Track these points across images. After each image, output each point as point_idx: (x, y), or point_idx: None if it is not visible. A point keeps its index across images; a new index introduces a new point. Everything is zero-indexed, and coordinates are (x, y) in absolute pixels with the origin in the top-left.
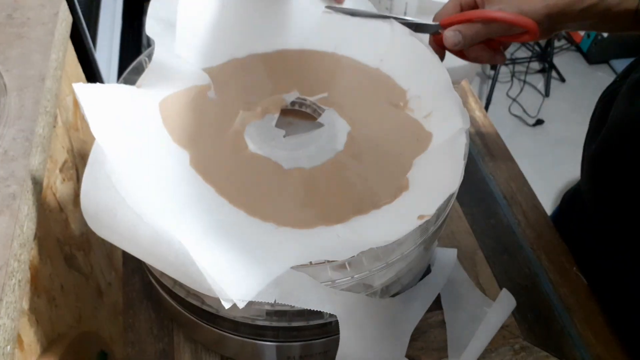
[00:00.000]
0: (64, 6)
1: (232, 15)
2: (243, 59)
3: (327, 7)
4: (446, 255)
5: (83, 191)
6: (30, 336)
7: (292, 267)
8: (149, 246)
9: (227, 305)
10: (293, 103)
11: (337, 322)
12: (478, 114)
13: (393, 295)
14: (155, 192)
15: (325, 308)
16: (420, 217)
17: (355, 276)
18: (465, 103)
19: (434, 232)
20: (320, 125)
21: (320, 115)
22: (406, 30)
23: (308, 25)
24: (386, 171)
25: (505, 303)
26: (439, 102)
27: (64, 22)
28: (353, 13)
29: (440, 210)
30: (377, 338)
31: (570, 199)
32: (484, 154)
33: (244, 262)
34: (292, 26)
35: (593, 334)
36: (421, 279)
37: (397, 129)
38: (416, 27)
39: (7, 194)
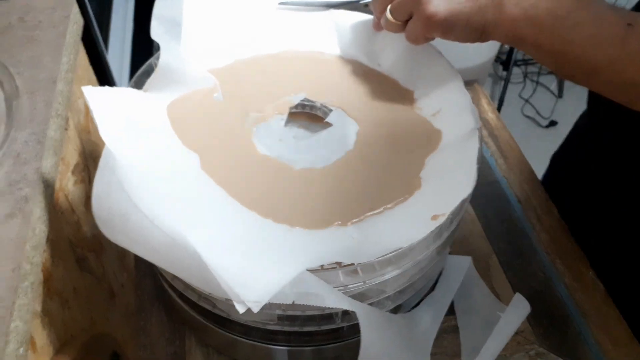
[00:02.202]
0: (76, 9)
1: (237, 17)
2: (249, 60)
3: (281, 2)
4: (460, 263)
5: (94, 196)
6: (42, 338)
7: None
8: (163, 251)
9: (241, 310)
10: (302, 105)
11: (349, 327)
12: (491, 115)
13: (406, 300)
14: (167, 196)
15: (344, 306)
16: (434, 217)
17: (368, 281)
18: (477, 105)
19: (448, 237)
20: (329, 125)
21: (328, 115)
22: None
23: (312, 26)
24: (398, 170)
25: (519, 308)
26: (447, 99)
27: (75, 24)
28: (307, 4)
29: (454, 214)
30: (398, 346)
31: (559, 159)
32: (498, 156)
33: (258, 265)
34: (296, 27)
35: (610, 340)
36: (435, 282)
37: (406, 127)
38: (366, 5)
39: (20, 197)
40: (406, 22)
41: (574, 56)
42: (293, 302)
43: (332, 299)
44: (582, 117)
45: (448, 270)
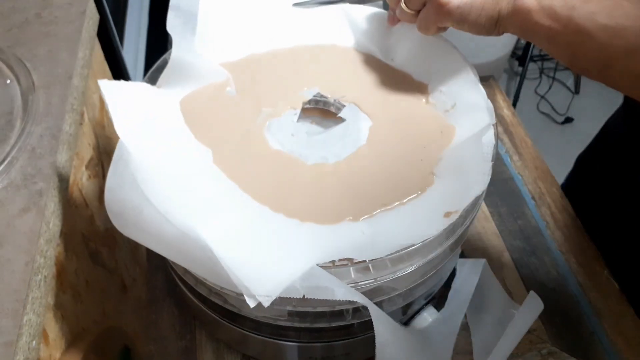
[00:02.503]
0: (92, 4)
1: (251, 11)
2: (262, 54)
3: (295, 4)
4: (473, 268)
5: (107, 189)
6: (55, 331)
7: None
8: (174, 244)
9: (252, 304)
10: (315, 101)
11: (359, 324)
12: (506, 112)
13: (417, 298)
14: (180, 190)
15: (355, 298)
16: (447, 214)
17: (379, 278)
18: (493, 100)
19: (462, 234)
20: (342, 120)
21: (340, 110)
22: None
23: (326, 21)
24: (411, 165)
25: (532, 306)
26: (461, 94)
27: (91, 20)
28: (320, 2)
29: (468, 211)
30: (413, 346)
31: (586, 162)
32: (512, 152)
33: (269, 259)
34: (309, 22)
35: (624, 340)
36: (447, 280)
37: (419, 123)
38: None
39: (34, 191)
40: (419, 12)
41: (589, 48)
42: (303, 295)
43: (342, 292)
44: (615, 116)
45: (461, 277)
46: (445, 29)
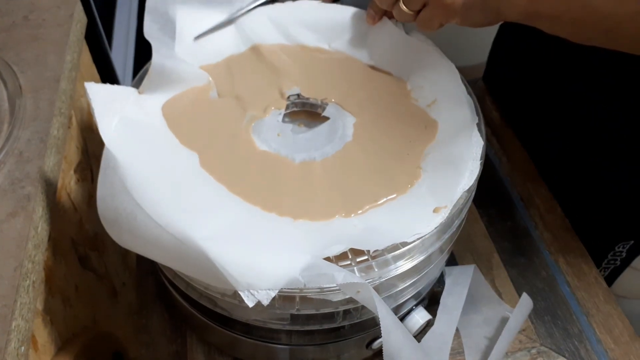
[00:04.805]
0: (79, 7)
1: (228, 12)
2: (242, 55)
3: (196, 37)
4: (463, 275)
5: (99, 198)
6: (44, 336)
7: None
8: (170, 250)
9: (250, 303)
10: (300, 103)
11: (350, 326)
12: (495, 114)
13: (408, 299)
14: (170, 195)
15: (355, 279)
16: (437, 209)
17: (383, 276)
18: (481, 102)
19: (458, 226)
20: (326, 119)
21: (324, 109)
22: (398, 26)
23: (302, 21)
24: (397, 160)
25: (524, 306)
26: (442, 89)
27: (79, 23)
28: (220, 27)
29: (463, 204)
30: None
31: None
32: (501, 154)
33: (267, 257)
34: (286, 22)
35: (612, 338)
36: (437, 281)
37: (402, 118)
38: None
39: (22, 195)
40: (418, 11)
41: (594, 19)
42: (305, 285)
43: (342, 276)
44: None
45: (450, 289)
46: (443, 25)
